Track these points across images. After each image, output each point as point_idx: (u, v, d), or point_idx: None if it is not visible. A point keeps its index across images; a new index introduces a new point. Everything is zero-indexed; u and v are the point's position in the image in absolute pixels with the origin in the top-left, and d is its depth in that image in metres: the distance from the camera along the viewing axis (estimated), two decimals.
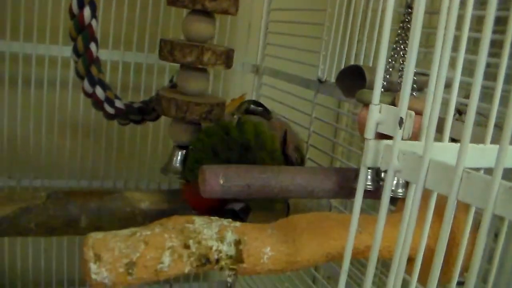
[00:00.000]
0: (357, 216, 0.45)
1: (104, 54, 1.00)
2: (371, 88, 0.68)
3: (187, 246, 0.52)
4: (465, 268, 0.54)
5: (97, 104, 0.80)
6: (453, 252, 0.58)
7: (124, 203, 0.76)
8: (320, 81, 0.91)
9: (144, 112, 0.85)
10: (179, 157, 0.80)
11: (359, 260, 0.94)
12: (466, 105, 0.92)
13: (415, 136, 0.44)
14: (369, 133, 0.42)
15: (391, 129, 0.41)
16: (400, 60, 0.65)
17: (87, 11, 0.73)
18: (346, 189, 0.67)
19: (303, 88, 0.96)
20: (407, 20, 0.63)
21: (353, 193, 0.65)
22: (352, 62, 0.86)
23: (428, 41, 0.99)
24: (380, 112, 0.43)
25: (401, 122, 0.41)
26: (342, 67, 0.87)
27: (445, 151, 0.43)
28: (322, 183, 0.66)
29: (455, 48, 0.40)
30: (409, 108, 0.62)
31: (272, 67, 1.11)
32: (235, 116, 0.80)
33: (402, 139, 0.41)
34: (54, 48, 0.98)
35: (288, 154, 0.76)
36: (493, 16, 0.36)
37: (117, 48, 1.03)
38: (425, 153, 0.39)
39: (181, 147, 0.80)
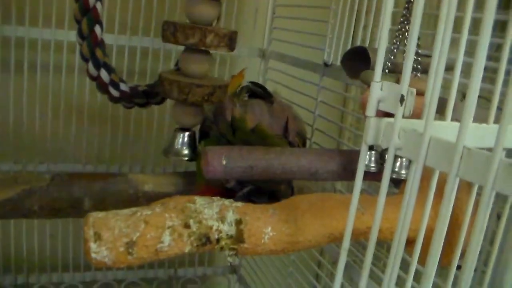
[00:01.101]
0: (358, 194, 0.45)
1: (110, 39, 1.00)
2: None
3: (187, 226, 0.52)
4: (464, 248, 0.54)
5: (102, 87, 0.80)
6: (456, 234, 0.58)
7: (128, 186, 0.76)
8: (326, 64, 0.90)
9: (149, 95, 0.85)
10: (180, 139, 0.80)
11: (364, 245, 0.93)
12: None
13: (418, 117, 0.43)
14: (371, 110, 0.42)
15: (392, 106, 0.41)
16: (405, 42, 0.64)
17: None
18: (350, 171, 0.67)
19: (309, 72, 0.96)
20: (411, 1, 0.63)
21: (367, 176, 0.65)
22: (359, 45, 0.85)
23: (436, 24, 0.98)
24: (381, 89, 0.42)
25: (402, 99, 0.40)
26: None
27: (447, 130, 0.43)
28: (326, 164, 0.66)
29: (458, 29, 0.39)
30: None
31: (278, 51, 1.10)
32: (236, 104, 0.79)
33: (403, 116, 0.41)
34: (60, 32, 0.98)
35: (290, 141, 0.76)
36: None
37: (123, 33, 1.02)
38: (426, 130, 0.38)
39: (183, 129, 0.80)
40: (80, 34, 0.75)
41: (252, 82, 0.88)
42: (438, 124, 0.44)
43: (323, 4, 0.93)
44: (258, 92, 0.86)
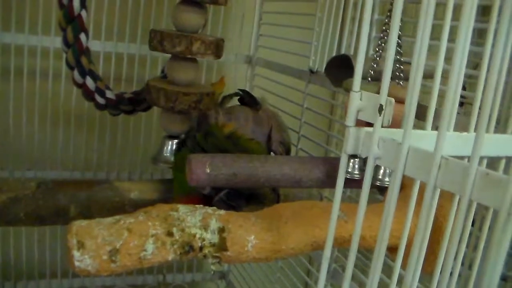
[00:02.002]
0: (338, 203, 0.45)
1: (97, 45, 1.00)
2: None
3: (170, 234, 0.52)
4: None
5: (88, 94, 0.80)
6: (440, 241, 0.58)
7: (113, 193, 0.76)
8: (311, 71, 0.91)
9: (135, 103, 0.85)
10: (169, 147, 0.80)
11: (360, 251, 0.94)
12: (462, 96, 0.93)
13: (399, 125, 0.44)
14: (350, 120, 0.42)
15: (371, 116, 0.41)
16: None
17: (76, 2, 0.73)
18: (334, 178, 0.66)
19: (295, 78, 0.97)
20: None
21: (349, 183, 0.66)
22: (343, 52, 0.86)
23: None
24: (361, 99, 0.43)
25: (380, 109, 0.41)
26: None
27: (427, 139, 0.43)
28: (310, 172, 0.66)
29: (438, 37, 0.40)
30: (394, 97, 0.62)
31: (265, 58, 1.11)
32: (220, 112, 0.79)
33: (382, 126, 0.41)
34: (46, 39, 0.98)
35: (273, 150, 0.76)
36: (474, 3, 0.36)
37: (110, 39, 1.02)
38: (404, 140, 0.39)
39: (171, 137, 0.80)
40: (65, 42, 0.75)
41: (240, 90, 0.88)
42: (418, 133, 0.45)
43: (309, 12, 0.94)
44: (246, 99, 0.86)
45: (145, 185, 0.79)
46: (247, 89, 1.13)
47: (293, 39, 0.97)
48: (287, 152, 0.82)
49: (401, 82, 0.63)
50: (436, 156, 0.37)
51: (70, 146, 1.05)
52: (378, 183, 0.66)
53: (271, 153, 0.78)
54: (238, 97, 0.88)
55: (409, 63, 0.73)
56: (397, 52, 0.64)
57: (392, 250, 0.55)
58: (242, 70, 1.16)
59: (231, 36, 1.14)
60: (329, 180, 0.67)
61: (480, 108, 0.41)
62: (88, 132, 1.07)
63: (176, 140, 0.80)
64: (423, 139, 0.44)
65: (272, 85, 1.05)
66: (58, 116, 1.03)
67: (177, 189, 0.75)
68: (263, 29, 1.13)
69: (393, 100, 0.41)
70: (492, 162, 0.52)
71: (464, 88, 0.84)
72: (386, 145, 0.41)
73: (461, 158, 0.40)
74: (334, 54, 0.88)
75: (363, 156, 0.43)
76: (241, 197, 0.70)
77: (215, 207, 0.55)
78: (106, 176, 1.09)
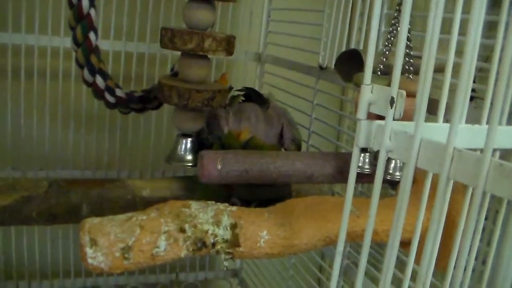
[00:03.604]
0: (351, 197, 0.45)
1: (106, 45, 1.01)
2: None
3: (183, 230, 0.52)
4: None
5: (98, 93, 0.80)
6: (453, 236, 0.58)
7: (125, 191, 0.76)
8: (321, 67, 0.91)
9: (145, 101, 0.85)
10: (183, 145, 0.80)
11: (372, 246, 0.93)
12: (473, 90, 0.92)
13: (410, 118, 0.44)
14: (361, 113, 0.42)
15: (382, 109, 0.41)
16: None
17: (85, 1, 0.73)
18: (346, 174, 0.66)
19: (305, 75, 0.96)
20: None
21: (361, 178, 0.65)
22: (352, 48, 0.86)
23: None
24: (372, 92, 0.43)
25: (392, 101, 0.40)
26: None
27: (439, 131, 0.43)
28: (322, 167, 0.66)
29: (449, 31, 0.40)
30: (405, 91, 0.62)
31: (274, 55, 1.10)
32: (230, 112, 0.80)
33: (394, 119, 0.41)
34: (56, 39, 0.98)
35: (285, 149, 0.76)
36: None
37: (119, 39, 1.03)
38: (416, 132, 0.39)
39: (185, 135, 0.80)
40: (75, 41, 0.75)
41: (246, 88, 0.88)
42: (429, 126, 0.44)
43: (317, 8, 0.93)
44: (253, 96, 0.86)
45: (157, 183, 0.79)
46: (256, 86, 1.13)
47: (302, 36, 0.97)
48: (298, 148, 0.82)
49: (410, 76, 0.63)
50: (449, 148, 0.37)
51: (81, 145, 1.06)
52: (388, 177, 0.66)
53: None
54: (244, 94, 0.88)
55: (419, 57, 0.73)
56: (407, 46, 0.64)
57: (404, 244, 0.55)
58: (252, 67, 1.16)
59: (240, 34, 1.14)
60: (340, 175, 0.67)
61: (492, 101, 0.41)
62: (98, 131, 1.07)
63: (190, 139, 0.79)
64: (435, 131, 0.43)
65: (282, 82, 1.05)
66: (69, 116, 1.04)
67: (202, 190, 0.75)
68: (271, 26, 1.13)
69: (404, 92, 0.41)
70: (506, 155, 0.51)
71: (474, 82, 0.83)
72: (398, 137, 0.40)
73: (473, 150, 0.40)
74: (343, 49, 0.87)
75: (375, 149, 0.43)
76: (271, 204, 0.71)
77: (227, 203, 0.55)
78: (118, 175, 1.09)
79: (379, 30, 0.80)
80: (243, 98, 0.86)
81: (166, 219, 0.52)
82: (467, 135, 0.47)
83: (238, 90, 0.89)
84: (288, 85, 1.02)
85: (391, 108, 0.40)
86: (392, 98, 0.40)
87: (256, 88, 1.14)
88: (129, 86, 1.03)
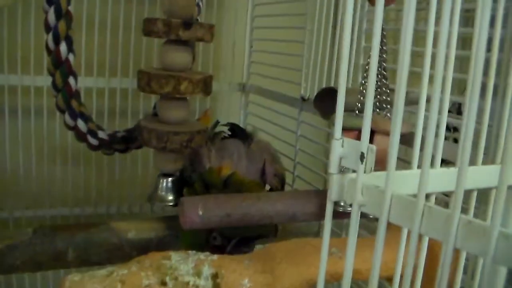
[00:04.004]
0: (327, 247, 0.45)
1: (89, 81, 1.01)
2: (347, 110, 0.68)
3: (164, 283, 0.52)
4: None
5: (80, 136, 0.80)
6: (436, 269, 0.58)
7: (111, 234, 0.76)
8: (303, 99, 0.91)
9: (128, 141, 0.85)
10: (164, 185, 0.80)
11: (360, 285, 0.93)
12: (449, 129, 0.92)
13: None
14: (333, 168, 0.42)
15: (353, 163, 0.41)
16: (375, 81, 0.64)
17: (63, 47, 0.73)
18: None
19: (288, 106, 0.97)
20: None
21: (336, 215, 0.65)
22: (333, 80, 0.86)
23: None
24: (342, 146, 0.43)
25: (362, 157, 0.40)
26: (324, 85, 0.87)
27: (413, 180, 0.43)
28: (304, 206, 0.66)
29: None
30: (383, 131, 0.62)
31: (258, 85, 1.11)
32: (212, 149, 0.80)
33: (365, 173, 0.41)
34: (39, 78, 0.98)
35: (267, 183, 0.77)
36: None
37: (102, 75, 1.03)
38: (387, 187, 0.39)
39: (165, 175, 0.80)
40: (55, 86, 0.75)
41: (230, 123, 0.89)
42: (403, 174, 0.45)
43: (298, 39, 0.94)
44: (236, 132, 0.87)
45: (142, 224, 0.79)
46: (241, 116, 1.13)
47: (284, 67, 0.97)
48: (282, 183, 0.82)
49: (388, 114, 0.63)
50: (419, 204, 0.37)
51: (69, 183, 1.06)
52: (372, 215, 0.66)
53: (266, 186, 0.78)
54: (229, 128, 0.88)
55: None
56: (383, 82, 0.64)
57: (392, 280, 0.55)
58: (236, 98, 1.17)
59: (223, 64, 1.14)
60: (324, 213, 0.67)
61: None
62: (85, 168, 1.07)
63: (171, 178, 0.79)
64: (409, 180, 0.44)
65: (267, 112, 1.05)
66: (55, 153, 1.04)
67: (186, 236, 0.75)
68: (254, 56, 1.13)
69: (374, 147, 0.41)
70: (484, 192, 0.52)
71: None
72: (370, 192, 0.41)
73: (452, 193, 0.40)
74: (324, 81, 0.88)
75: (348, 203, 0.43)
76: (251, 241, 0.71)
77: (208, 253, 0.55)
78: (106, 210, 1.09)
79: (357, 64, 0.81)
80: (226, 134, 0.87)
81: (147, 273, 0.52)
82: (442, 179, 0.47)
83: (224, 125, 0.89)
84: (272, 116, 1.03)
85: (362, 163, 0.40)
86: (362, 153, 0.40)
87: (241, 118, 1.14)
88: (114, 122, 1.04)
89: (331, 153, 0.42)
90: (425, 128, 0.37)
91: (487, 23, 0.33)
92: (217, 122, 0.92)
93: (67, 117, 0.77)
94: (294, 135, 0.95)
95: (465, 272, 0.56)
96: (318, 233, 0.83)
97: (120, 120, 1.04)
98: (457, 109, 0.92)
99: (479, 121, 0.49)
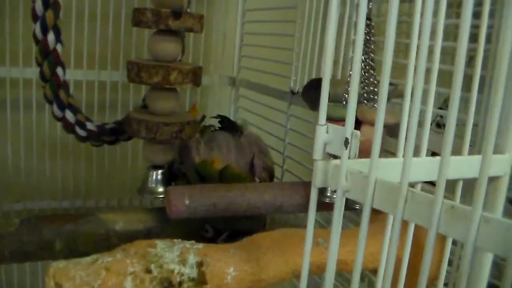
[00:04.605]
0: (311, 233, 0.45)
1: (79, 74, 1.01)
2: (335, 101, 0.68)
3: (149, 271, 0.52)
4: (432, 279, 0.54)
5: (68, 127, 0.80)
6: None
7: (98, 226, 0.76)
8: (292, 92, 0.91)
9: (117, 133, 0.85)
10: (154, 177, 0.80)
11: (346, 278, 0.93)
12: (441, 116, 0.91)
13: None
14: (317, 154, 0.42)
15: (338, 149, 0.41)
16: (362, 71, 0.65)
17: (51, 37, 0.73)
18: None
19: (278, 99, 0.97)
20: (366, 31, 0.63)
21: (322, 206, 0.66)
22: (319, 76, 0.86)
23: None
24: (327, 132, 0.43)
25: (346, 142, 0.40)
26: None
27: (397, 167, 0.43)
28: (291, 198, 0.66)
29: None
30: (369, 121, 0.62)
31: (248, 79, 1.11)
32: (201, 142, 0.80)
33: (349, 158, 0.41)
34: (28, 70, 0.98)
35: (256, 176, 0.76)
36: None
37: (92, 68, 1.02)
38: (371, 172, 0.39)
39: (155, 167, 0.80)
40: (42, 76, 0.75)
41: (219, 116, 0.88)
42: (388, 162, 0.45)
43: (288, 32, 0.94)
44: (226, 124, 0.86)
45: (131, 215, 0.78)
46: (231, 110, 1.13)
47: (274, 60, 0.97)
48: (271, 176, 0.82)
49: (376, 105, 0.63)
50: (402, 189, 0.37)
51: (58, 175, 1.05)
52: (357, 207, 0.66)
53: (255, 179, 0.78)
54: (219, 121, 0.88)
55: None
56: (370, 74, 0.64)
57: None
58: (227, 92, 1.17)
59: (214, 58, 1.14)
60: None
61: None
62: (75, 160, 1.07)
63: (161, 170, 0.79)
64: (394, 167, 0.44)
65: (257, 106, 1.05)
66: (44, 146, 1.03)
67: (177, 227, 0.75)
68: (245, 50, 1.13)
69: (358, 133, 0.41)
70: (469, 182, 0.52)
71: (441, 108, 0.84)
72: (354, 177, 0.41)
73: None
74: (313, 75, 0.88)
75: (332, 189, 0.43)
76: (242, 235, 0.71)
77: (193, 241, 0.55)
78: (96, 203, 1.09)
79: (346, 57, 0.81)
80: (216, 127, 0.86)
81: (132, 260, 0.52)
82: (428, 168, 0.47)
83: (213, 117, 0.89)
84: (262, 110, 1.03)
85: (346, 149, 0.40)
86: (347, 139, 0.40)
87: (231, 112, 1.14)
88: (104, 115, 1.03)
89: (315, 139, 0.42)
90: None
91: (470, 11, 0.33)
92: (204, 117, 0.92)
93: (55, 108, 0.77)
94: (283, 129, 0.95)
95: (449, 264, 0.56)
96: (306, 227, 0.82)
97: (110, 113, 1.04)
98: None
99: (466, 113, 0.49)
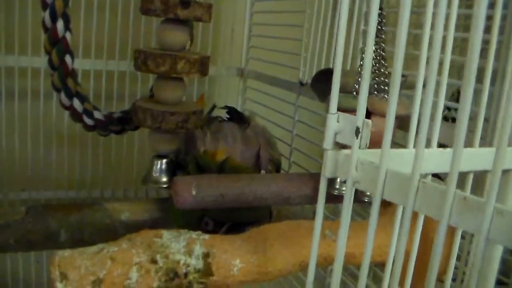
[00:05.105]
0: (320, 225, 0.44)
1: (87, 64, 1.00)
2: (345, 91, 0.67)
3: (154, 261, 0.51)
4: (440, 274, 0.53)
5: (76, 116, 0.79)
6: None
7: (104, 215, 0.76)
8: (301, 83, 0.90)
9: (124, 122, 0.84)
10: (158, 167, 0.79)
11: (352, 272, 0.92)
12: (448, 108, 0.90)
13: None
14: (328, 143, 0.42)
15: (349, 138, 0.41)
16: (373, 62, 0.64)
17: (60, 24, 0.72)
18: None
19: (286, 91, 0.96)
20: (378, 21, 0.62)
21: (330, 198, 0.65)
22: (332, 65, 0.85)
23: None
24: (338, 121, 0.42)
25: (357, 131, 0.40)
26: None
27: (409, 158, 0.42)
28: (299, 189, 0.65)
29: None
30: (380, 113, 0.61)
31: (256, 70, 1.10)
32: (207, 133, 0.79)
33: (360, 148, 0.40)
34: (36, 59, 0.97)
35: (262, 169, 0.76)
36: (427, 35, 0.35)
37: (100, 57, 1.02)
38: (382, 163, 0.38)
39: (160, 156, 0.79)
40: (51, 64, 0.74)
41: (227, 106, 0.88)
42: (399, 153, 0.44)
43: (298, 23, 0.93)
44: (233, 115, 0.86)
45: (136, 206, 0.78)
46: (239, 101, 1.13)
47: (283, 51, 0.96)
48: (278, 168, 0.81)
49: (386, 96, 0.63)
50: (414, 180, 0.36)
51: (64, 165, 1.05)
52: (366, 199, 0.66)
53: (261, 172, 0.77)
54: (227, 111, 0.88)
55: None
56: (381, 64, 0.63)
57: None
58: (235, 83, 1.16)
59: (222, 48, 1.13)
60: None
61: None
62: (81, 150, 1.06)
63: (165, 160, 0.78)
64: (405, 158, 0.43)
65: (265, 97, 1.04)
66: (51, 136, 1.03)
67: (177, 221, 0.74)
68: (253, 41, 1.13)
69: (369, 122, 0.40)
70: (480, 174, 0.51)
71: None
72: (365, 168, 0.40)
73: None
74: (322, 65, 0.87)
75: (342, 180, 0.43)
76: (244, 226, 0.70)
77: (200, 232, 0.55)
78: (101, 194, 1.08)
79: (356, 47, 0.80)
80: (223, 117, 0.86)
81: (137, 250, 0.52)
82: (439, 159, 0.46)
83: (221, 108, 0.89)
84: (270, 101, 1.02)
85: (357, 138, 0.40)
86: (358, 128, 0.40)
87: (239, 103, 1.14)
88: (112, 105, 1.03)
89: (326, 128, 0.42)
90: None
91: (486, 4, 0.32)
92: (214, 106, 0.91)
93: (62, 96, 0.76)
94: (291, 121, 0.95)
95: (457, 259, 0.55)
96: (313, 219, 0.82)
97: (118, 103, 1.03)
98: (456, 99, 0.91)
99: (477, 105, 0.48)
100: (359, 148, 0.40)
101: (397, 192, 0.38)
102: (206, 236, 0.54)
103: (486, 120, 0.57)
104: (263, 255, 0.54)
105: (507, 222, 0.32)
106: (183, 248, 0.52)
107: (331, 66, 0.85)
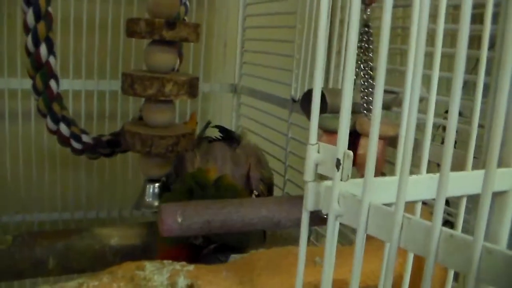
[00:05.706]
0: (304, 254, 0.43)
1: (78, 84, 0.99)
2: (333, 112, 0.65)
3: None
4: None
5: (63, 141, 0.78)
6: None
7: (93, 241, 0.74)
8: (293, 100, 0.88)
9: (114, 145, 0.83)
10: (150, 191, 0.78)
11: None
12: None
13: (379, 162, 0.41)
14: (308, 175, 0.40)
15: (330, 170, 0.39)
16: (361, 81, 0.62)
17: (43, 49, 0.71)
18: (314, 217, 0.64)
19: (279, 107, 0.94)
20: (364, 39, 0.61)
21: (322, 221, 0.63)
22: (323, 81, 0.83)
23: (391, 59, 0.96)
24: (318, 152, 0.40)
25: (338, 163, 0.38)
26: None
27: (393, 187, 0.41)
28: (289, 213, 0.63)
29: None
30: (367, 133, 0.59)
31: (250, 87, 1.08)
32: (196, 154, 0.77)
33: (342, 180, 0.38)
34: (26, 82, 0.96)
35: (253, 189, 0.74)
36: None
37: (90, 77, 1.01)
38: (364, 197, 0.36)
39: (152, 181, 0.78)
40: (35, 89, 0.73)
41: (217, 126, 0.86)
42: (383, 182, 0.42)
43: (289, 38, 0.91)
44: (223, 135, 0.84)
45: (126, 230, 0.77)
46: (233, 118, 1.11)
47: (275, 67, 0.94)
48: (269, 187, 0.79)
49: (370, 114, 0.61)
50: (397, 216, 0.34)
51: (57, 186, 1.03)
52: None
53: (253, 192, 0.76)
54: (219, 130, 0.86)
55: (389, 92, 0.70)
56: (370, 84, 0.62)
57: None
58: (228, 99, 1.14)
59: (214, 65, 1.12)
60: (311, 219, 0.64)
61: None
62: (74, 171, 1.05)
63: (158, 184, 0.77)
64: (390, 187, 0.41)
65: (258, 114, 1.03)
66: (43, 158, 1.01)
67: (162, 238, 0.73)
68: (246, 57, 1.11)
69: (351, 153, 0.38)
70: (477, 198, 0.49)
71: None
72: (347, 201, 0.38)
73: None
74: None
75: (324, 213, 0.41)
76: (231, 250, 0.68)
77: (184, 263, 0.53)
78: (96, 215, 1.07)
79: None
80: (214, 137, 0.84)
81: (119, 284, 0.50)
82: (428, 185, 0.44)
83: (212, 127, 0.87)
84: (264, 117, 1.00)
85: (338, 170, 0.38)
86: (338, 159, 0.38)
87: (233, 120, 1.12)
88: (104, 125, 1.02)
89: (306, 158, 0.40)
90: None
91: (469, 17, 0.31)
92: (208, 123, 0.89)
93: (49, 121, 0.75)
94: (283, 138, 0.93)
95: None
96: (309, 239, 0.80)
97: (110, 123, 1.02)
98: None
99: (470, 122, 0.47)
100: (341, 180, 0.38)
101: (381, 228, 0.36)
102: (191, 267, 0.52)
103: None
104: (250, 285, 0.52)
105: (497, 261, 0.30)
106: (166, 280, 0.50)
107: (323, 82, 0.83)
